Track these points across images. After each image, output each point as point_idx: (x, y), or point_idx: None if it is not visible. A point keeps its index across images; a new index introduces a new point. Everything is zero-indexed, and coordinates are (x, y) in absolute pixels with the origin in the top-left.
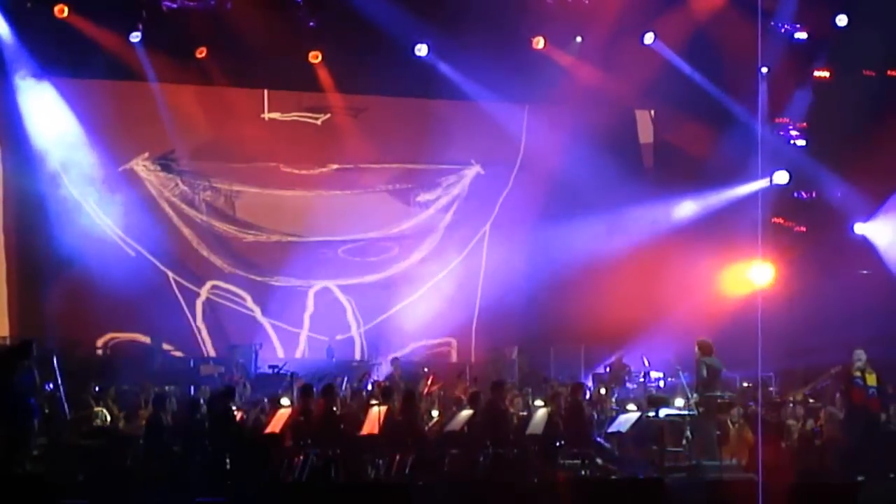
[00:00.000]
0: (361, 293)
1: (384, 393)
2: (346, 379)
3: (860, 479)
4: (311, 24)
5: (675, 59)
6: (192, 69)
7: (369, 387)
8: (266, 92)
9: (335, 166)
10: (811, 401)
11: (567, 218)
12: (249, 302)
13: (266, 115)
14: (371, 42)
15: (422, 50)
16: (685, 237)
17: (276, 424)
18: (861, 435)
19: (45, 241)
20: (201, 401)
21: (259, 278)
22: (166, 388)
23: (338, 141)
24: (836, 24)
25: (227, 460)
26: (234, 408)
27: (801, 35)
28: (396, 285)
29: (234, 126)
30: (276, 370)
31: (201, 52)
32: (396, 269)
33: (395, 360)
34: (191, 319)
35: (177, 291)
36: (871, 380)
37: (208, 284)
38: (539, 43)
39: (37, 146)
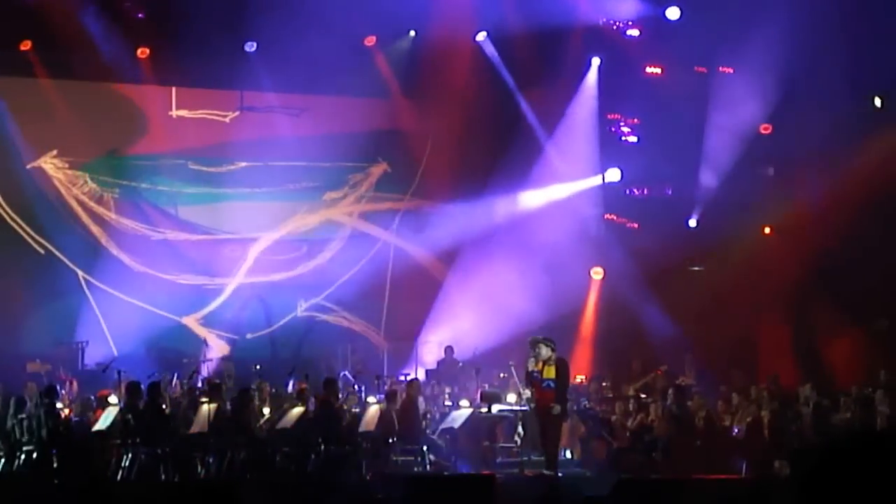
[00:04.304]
0: (269, 292)
1: (213, 390)
2: (175, 375)
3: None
4: (140, 15)
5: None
6: (18, 63)
7: (200, 383)
8: (174, 89)
9: (243, 164)
10: (643, 396)
11: (468, 215)
12: (157, 300)
13: (174, 113)
14: (200, 36)
15: (253, 47)
16: (528, 231)
17: (103, 422)
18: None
19: None
20: (26, 398)
21: (167, 276)
22: None
23: (246, 138)
24: (666, 17)
25: (54, 459)
26: (59, 405)
27: (634, 32)
28: (305, 284)
29: (141, 123)
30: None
31: (25, 46)
32: (304, 268)
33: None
34: (100, 317)
35: (86, 289)
36: (549, 372)
37: (118, 282)
38: (371, 41)
39: None
